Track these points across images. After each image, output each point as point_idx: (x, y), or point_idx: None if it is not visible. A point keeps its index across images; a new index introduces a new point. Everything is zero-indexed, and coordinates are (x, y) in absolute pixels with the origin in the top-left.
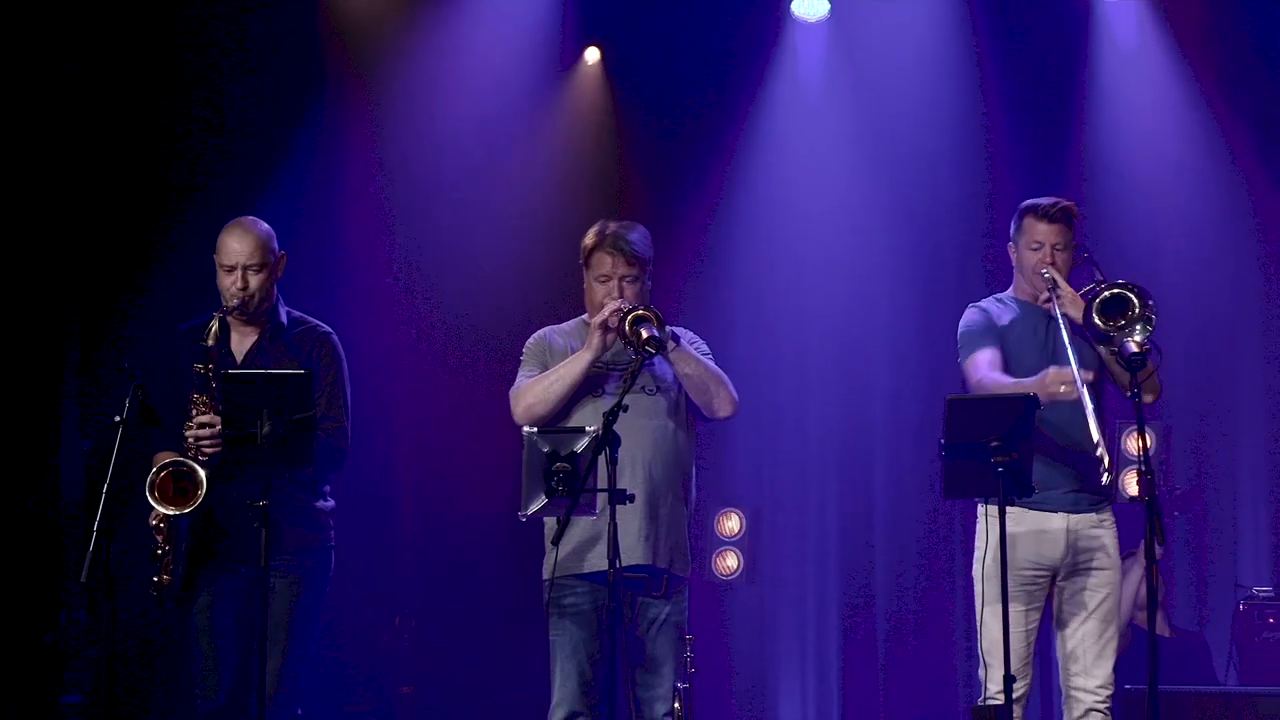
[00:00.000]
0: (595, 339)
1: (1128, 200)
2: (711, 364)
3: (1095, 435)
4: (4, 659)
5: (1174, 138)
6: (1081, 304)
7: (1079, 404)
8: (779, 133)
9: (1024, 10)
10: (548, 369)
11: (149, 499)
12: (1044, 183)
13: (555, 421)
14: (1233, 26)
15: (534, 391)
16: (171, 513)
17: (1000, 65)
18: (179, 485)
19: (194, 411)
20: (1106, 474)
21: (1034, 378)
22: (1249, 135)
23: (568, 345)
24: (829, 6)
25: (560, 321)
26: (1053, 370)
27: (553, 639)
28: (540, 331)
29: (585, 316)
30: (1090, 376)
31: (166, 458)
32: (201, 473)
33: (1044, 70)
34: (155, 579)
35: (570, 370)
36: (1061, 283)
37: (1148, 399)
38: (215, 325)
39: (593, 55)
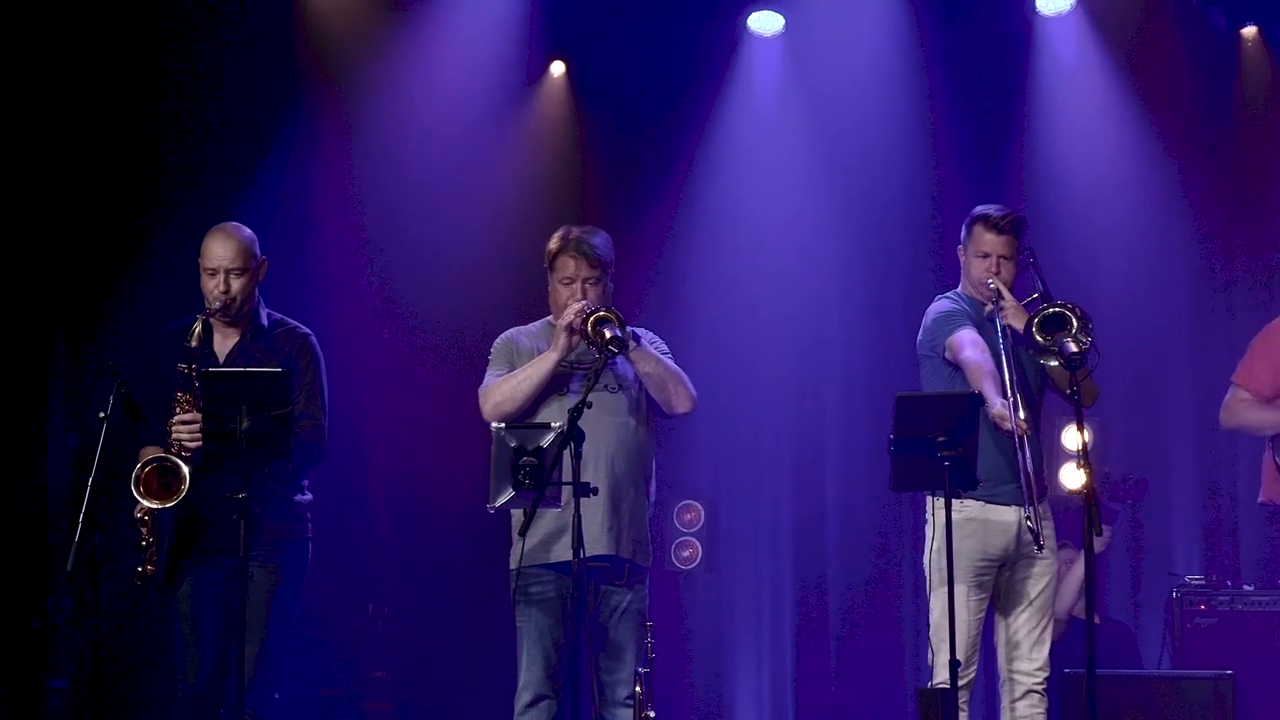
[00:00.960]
0: (561, 340)
1: (1067, 207)
2: (670, 363)
3: (1025, 474)
4: None
5: (1110, 149)
6: (1024, 316)
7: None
8: (736, 143)
9: (970, 28)
10: (515, 368)
11: (134, 493)
12: (988, 191)
13: (522, 418)
14: (1167, 45)
15: (502, 390)
16: (155, 506)
17: (947, 79)
18: (163, 480)
19: (177, 409)
20: (1031, 532)
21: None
22: (1181, 148)
23: (534, 345)
24: (784, 22)
25: (526, 323)
26: (997, 406)
27: (520, 626)
28: (507, 332)
29: (550, 318)
30: (1025, 427)
31: (151, 453)
32: (185, 468)
33: (989, 84)
34: (139, 569)
35: (537, 370)
36: (1006, 294)
37: (1086, 401)
38: (199, 327)
39: (558, 69)
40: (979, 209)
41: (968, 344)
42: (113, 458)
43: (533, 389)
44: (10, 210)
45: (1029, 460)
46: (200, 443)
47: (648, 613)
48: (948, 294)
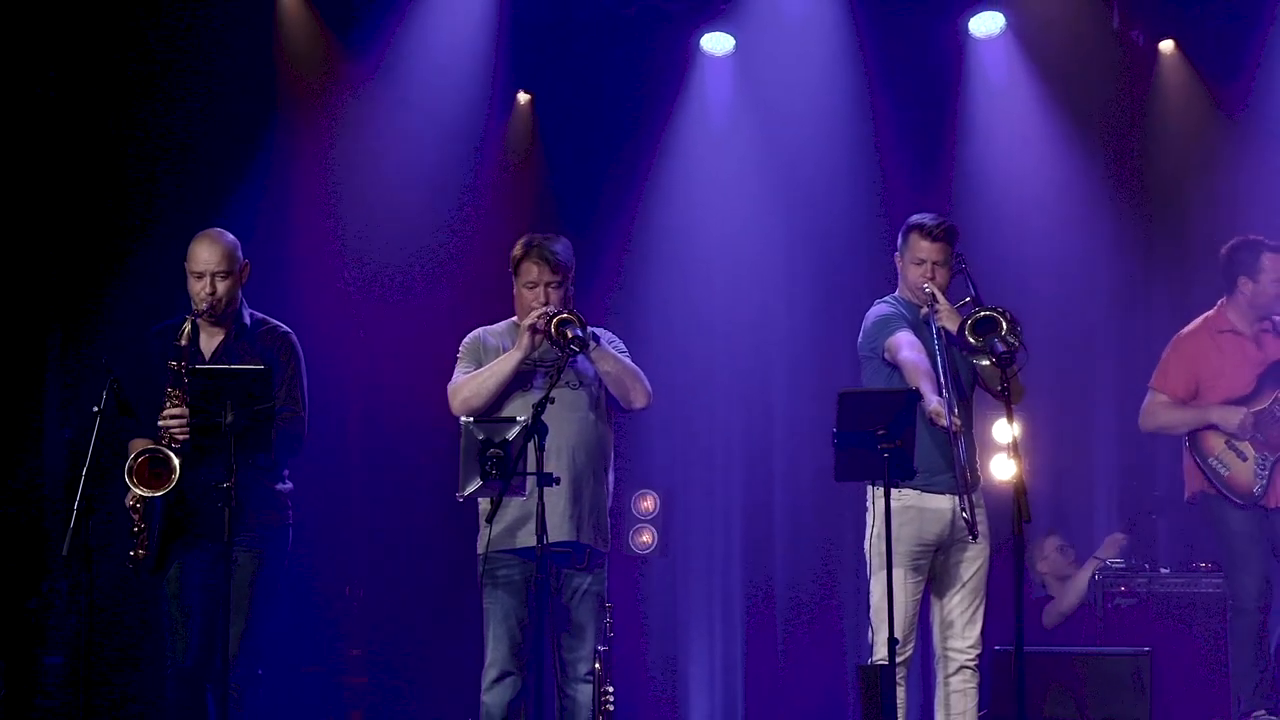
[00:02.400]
0: (524, 339)
1: (997, 216)
2: (628, 361)
3: (959, 466)
4: None
5: (1037, 162)
6: (957, 319)
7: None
8: (689, 157)
9: (908, 50)
10: (482, 365)
11: (127, 482)
12: (924, 202)
13: (488, 413)
14: (1090, 66)
15: (469, 386)
16: (147, 494)
17: (887, 97)
18: (154, 470)
19: (167, 403)
20: (965, 521)
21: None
22: (1103, 162)
23: (500, 344)
24: (734, 42)
25: (493, 323)
26: (933, 403)
27: (486, 607)
28: (475, 332)
29: (515, 319)
30: (958, 423)
31: (141, 445)
32: (175, 459)
33: (925, 102)
34: (131, 553)
35: (502, 367)
36: (940, 298)
37: (1014, 399)
38: (187, 326)
39: (524, 97)
40: (914, 218)
41: (905, 345)
42: (105, 449)
43: (498, 385)
44: (7, 215)
45: (962, 453)
46: (188, 435)
47: (606, 594)
48: (886, 298)
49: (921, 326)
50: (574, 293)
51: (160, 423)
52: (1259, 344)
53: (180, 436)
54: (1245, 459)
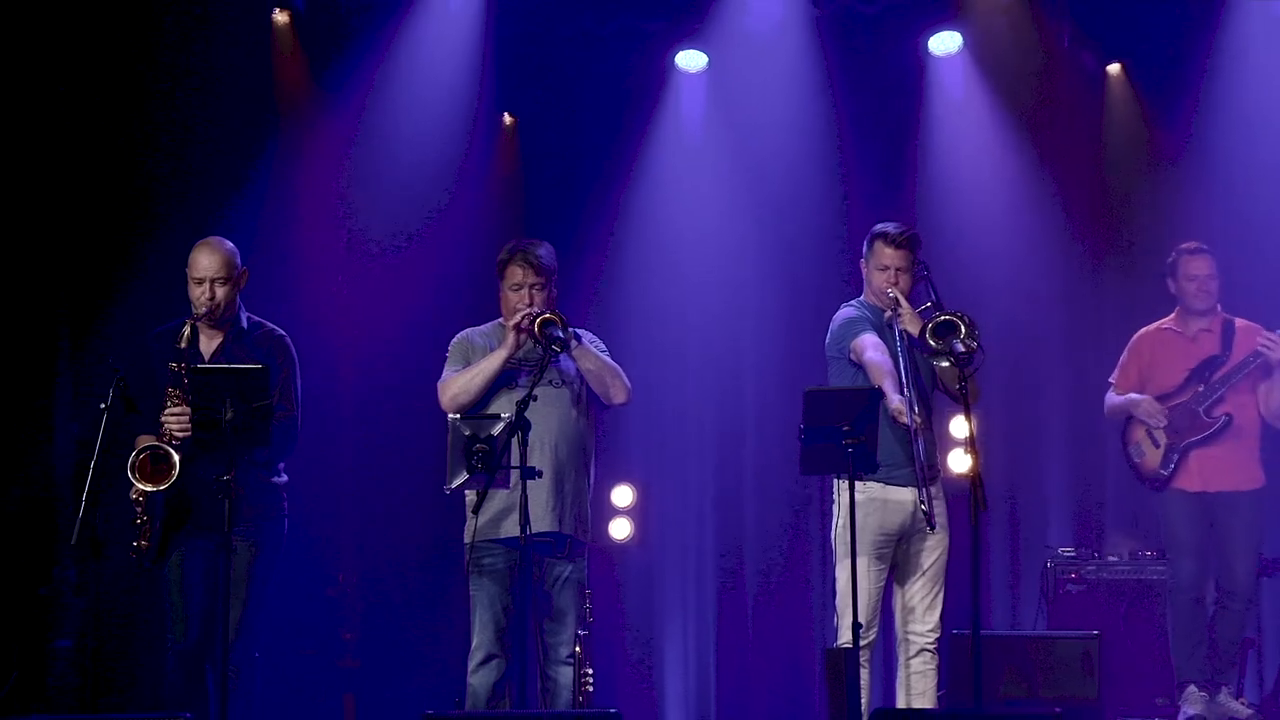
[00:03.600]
0: (510, 338)
1: (955, 223)
2: (608, 359)
3: (919, 462)
4: (5, 609)
5: (993, 173)
6: (919, 323)
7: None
8: (665, 168)
9: (871, 67)
10: (470, 363)
11: (130, 477)
12: (887, 210)
13: (475, 409)
14: (1042, 82)
15: (458, 383)
16: (149, 489)
17: (851, 112)
18: (156, 465)
19: (168, 402)
20: (924, 513)
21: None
22: (1053, 172)
23: (487, 344)
24: (707, 59)
25: (479, 324)
26: (895, 401)
27: (472, 594)
28: (462, 332)
29: (501, 320)
30: (919, 421)
31: (145, 441)
32: (175, 455)
33: (888, 117)
34: (135, 544)
35: (489, 365)
36: (904, 302)
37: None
38: (187, 330)
39: (509, 118)
40: (879, 226)
41: (869, 346)
42: (111, 445)
43: (485, 382)
44: (19, 223)
45: (922, 449)
46: (189, 432)
47: (586, 582)
48: (851, 302)
49: (884, 329)
50: (557, 295)
51: (162, 420)
52: (1196, 342)
53: (181, 434)
54: (1158, 446)
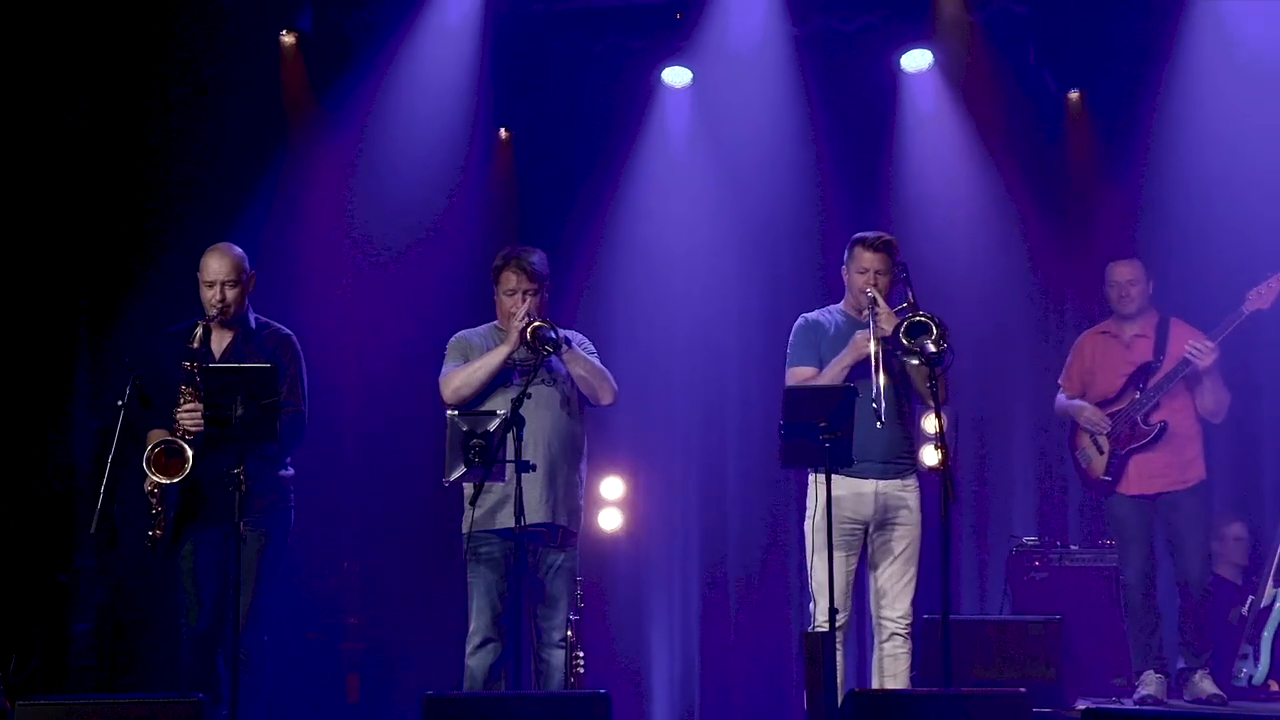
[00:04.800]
0: (514, 336)
1: (927, 229)
2: (597, 363)
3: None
4: (27, 594)
5: (962, 180)
6: (894, 321)
7: (892, 401)
8: (652, 179)
9: (847, 82)
10: (468, 360)
11: (146, 470)
12: (862, 217)
13: (473, 406)
14: (1008, 98)
15: (460, 377)
16: (164, 481)
17: (828, 124)
18: (170, 459)
19: (181, 399)
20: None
21: (834, 360)
22: (1018, 180)
23: (484, 344)
24: (691, 76)
25: (475, 326)
26: (859, 334)
27: (470, 581)
28: (459, 333)
29: (495, 323)
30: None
31: (159, 436)
32: (188, 450)
33: (863, 129)
34: (150, 532)
35: (491, 360)
36: (881, 302)
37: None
38: (200, 331)
39: (504, 133)
40: (858, 234)
41: (804, 377)
42: (128, 440)
43: (487, 375)
44: (42, 232)
45: (888, 443)
46: (201, 428)
47: (578, 569)
48: (813, 312)
49: (852, 328)
50: (549, 299)
51: (176, 417)
52: (1131, 349)
53: (194, 429)
54: (1102, 453)
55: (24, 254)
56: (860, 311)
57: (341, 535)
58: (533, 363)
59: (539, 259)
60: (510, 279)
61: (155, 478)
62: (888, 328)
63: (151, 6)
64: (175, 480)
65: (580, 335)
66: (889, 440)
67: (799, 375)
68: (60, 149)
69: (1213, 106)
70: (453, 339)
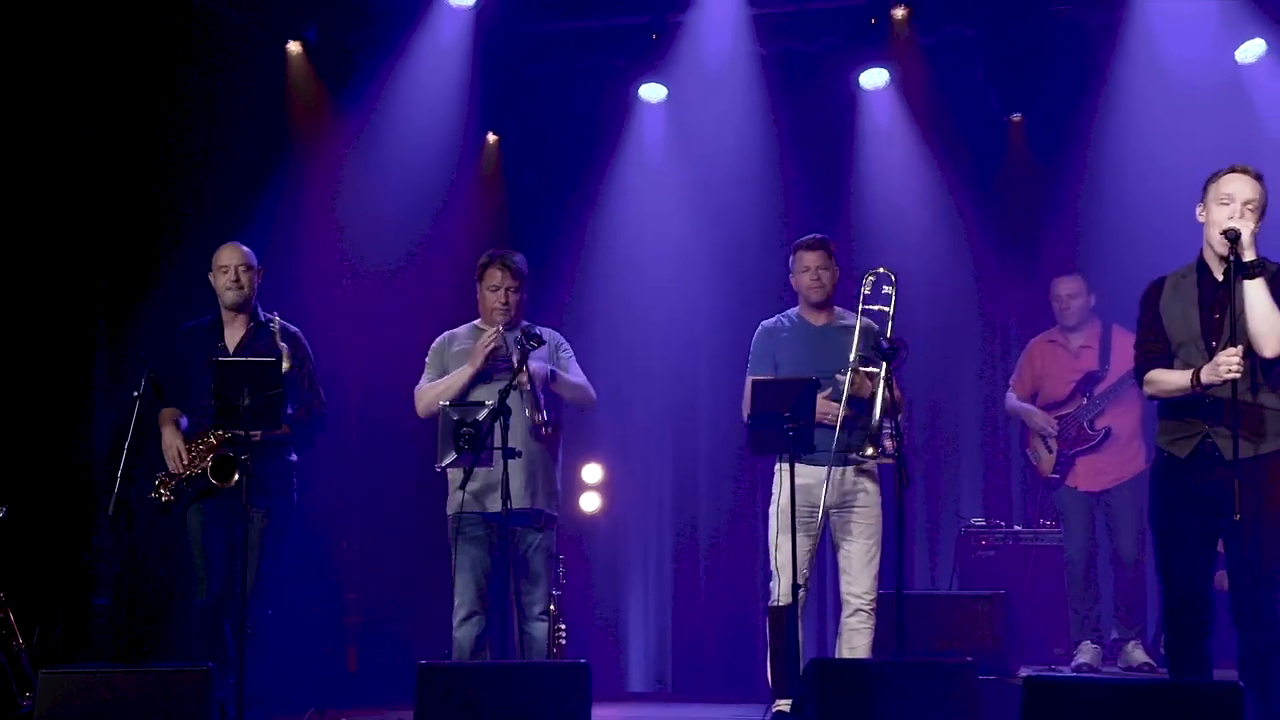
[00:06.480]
0: (479, 359)
1: (884, 236)
2: (577, 380)
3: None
4: (51, 571)
5: (916, 191)
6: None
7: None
8: (629, 189)
9: (810, 98)
10: (445, 369)
11: (208, 476)
12: (824, 224)
13: (461, 399)
14: (959, 110)
15: (428, 397)
16: (216, 484)
17: (792, 137)
18: (220, 467)
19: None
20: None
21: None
22: (966, 190)
23: (463, 345)
24: (666, 92)
25: (460, 324)
26: (821, 405)
27: (456, 559)
28: (440, 337)
29: (477, 321)
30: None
31: (172, 415)
32: (237, 475)
33: (824, 142)
34: (157, 496)
35: (456, 382)
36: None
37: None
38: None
39: (492, 137)
40: (796, 241)
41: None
42: (143, 428)
43: (453, 397)
44: (62, 233)
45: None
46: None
47: (555, 548)
48: (770, 319)
49: (811, 330)
50: (526, 300)
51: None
52: (1078, 358)
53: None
54: (1051, 452)
55: (47, 253)
56: (815, 308)
57: (342, 517)
58: (518, 357)
59: (520, 259)
60: (495, 276)
61: (214, 481)
62: (863, 394)
63: (163, 24)
64: (228, 484)
65: (558, 336)
66: (848, 430)
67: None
68: (78, 158)
69: (1144, 127)
70: (433, 345)
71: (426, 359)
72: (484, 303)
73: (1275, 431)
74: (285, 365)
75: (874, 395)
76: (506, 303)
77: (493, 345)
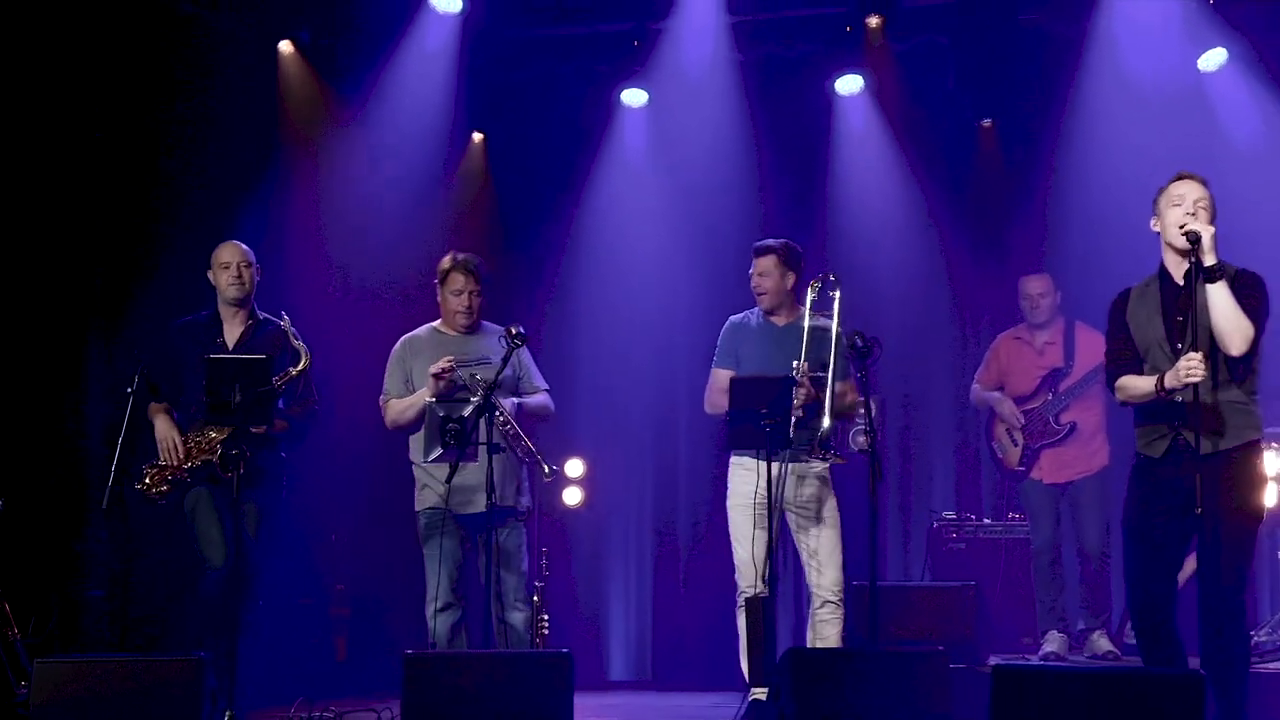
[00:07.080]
0: (432, 384)
1: (858, 235)
2: (539, 400)
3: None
4: (46, 562)
5: (890, 192)
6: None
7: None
8: (611, 189)
9: (786, 103)
10: (407, 375)
11: (218, 467)
12: (800, 225)
13: (413, 428)
14: (931, 115)
15: (391, 414)
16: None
17: (769, 141)
18: (228, 459)
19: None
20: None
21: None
22: (938, 193)
23: (423, 348)
24: (647, 97)
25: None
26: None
27: (430, 553)
28: (400, 343)
29: (437, 323)
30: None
31: (160, 410)
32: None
33: (800, 146)
34: (150, 486)
35: (416, 402)
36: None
37: (858, 398)
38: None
39: (478, 136)
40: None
41: (718, 378)
42: (137, 423)
43: (415, 415)
44: (59, 233)
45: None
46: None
47: (525, 539)
48: (736, 315)
49: (772, 329)
50: (486, 303)
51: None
52: (1043, 355)
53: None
54: (1017, 445)
55: (42, 249)
56: (769, 313)
57: (330, 511)
58: (500, 359)
59: (481, 263)
60: (458, 280)
61: (225, 474)
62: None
63: (159, 32)
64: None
65: (526, 352)
66: (801, 428)
67: (718, 376)
68: (77, 162)
69: (1109, 132)
70: (394, 352)
71: (387, 367)
72: (446, 306)
73: (1236, 426)
74: (304, 363)
75: (822, 401)
76: (469, 306)
77: (446, 369)
